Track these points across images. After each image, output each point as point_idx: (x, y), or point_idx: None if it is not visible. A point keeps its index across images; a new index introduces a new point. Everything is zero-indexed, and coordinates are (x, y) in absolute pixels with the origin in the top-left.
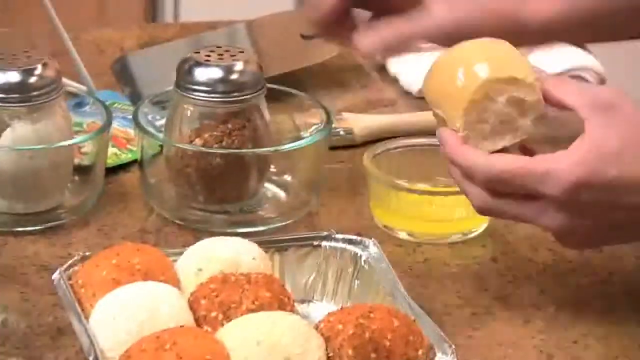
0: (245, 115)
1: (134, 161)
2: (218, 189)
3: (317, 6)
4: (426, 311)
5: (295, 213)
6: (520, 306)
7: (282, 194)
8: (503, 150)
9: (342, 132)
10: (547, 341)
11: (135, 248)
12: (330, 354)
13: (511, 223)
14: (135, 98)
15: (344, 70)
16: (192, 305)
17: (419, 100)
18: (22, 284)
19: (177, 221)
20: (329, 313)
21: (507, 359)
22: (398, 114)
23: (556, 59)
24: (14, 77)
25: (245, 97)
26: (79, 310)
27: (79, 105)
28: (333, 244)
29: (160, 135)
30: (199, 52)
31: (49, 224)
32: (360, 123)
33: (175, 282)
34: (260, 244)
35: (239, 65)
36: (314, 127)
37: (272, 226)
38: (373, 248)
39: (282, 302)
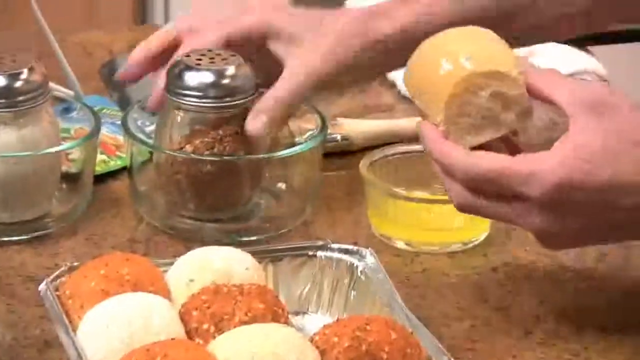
0: (238, 121)
1: (123, 168)
2: (209, 197)
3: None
4: (424, 323)
5: (289, 222)
6: (520, 317)
7: (276, 202)
8: (484, 145)
9: (338, 138)
10: (547, 354)
11: (124, 258)
12: None
13: (512, 229)
14: (124, 103)
15: None
16: (184, 317)
17: None
18: (8, 296)
19: (168, 230)
20: (324, 325)
21: None
22: (395, 120)
23: (558, 62)
24: None
25: (237, 102)
26: (67, 322)
27: (67, 110)
28: (329, 253)
29: (150, 142)
30: (189, 56)
31: (36, 234)
32: (357, 129)
33: (166, 293)
34: (253, 253)
35: (230, 70)
36: (308, 133)
37: (265, 235)
38: (370, 258)
39: (276, 314)
